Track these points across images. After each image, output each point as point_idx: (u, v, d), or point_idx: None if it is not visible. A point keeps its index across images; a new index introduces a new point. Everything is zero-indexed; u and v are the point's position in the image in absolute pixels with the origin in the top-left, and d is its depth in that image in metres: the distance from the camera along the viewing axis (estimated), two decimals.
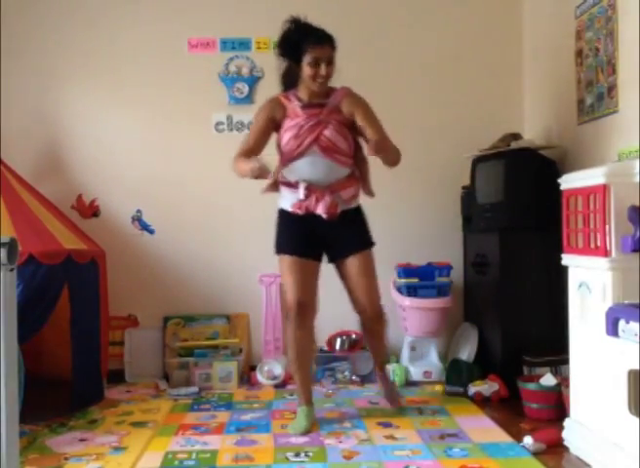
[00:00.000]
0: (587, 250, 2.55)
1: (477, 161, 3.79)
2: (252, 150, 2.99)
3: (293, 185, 2.98)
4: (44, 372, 3.66)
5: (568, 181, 2.72)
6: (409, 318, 3.89)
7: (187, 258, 4.10)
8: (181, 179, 4.12)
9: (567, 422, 2.72)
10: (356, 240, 3.05)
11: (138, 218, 4.11)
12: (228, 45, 4.13)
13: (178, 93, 4.10)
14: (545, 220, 3.27)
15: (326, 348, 3.95)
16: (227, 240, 4.11)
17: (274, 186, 3.06)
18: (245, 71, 4.13)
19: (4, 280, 1.79)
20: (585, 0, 3.31)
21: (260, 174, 2.77)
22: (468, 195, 3.89)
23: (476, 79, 4.17)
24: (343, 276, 3.09)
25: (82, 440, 2.88)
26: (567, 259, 2.73)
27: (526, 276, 3.45)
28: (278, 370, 3.85)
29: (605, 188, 2.42)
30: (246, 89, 4.13)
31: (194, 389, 3.68)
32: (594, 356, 2.49)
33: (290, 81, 3.03)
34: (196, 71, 4.11)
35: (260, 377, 3.86)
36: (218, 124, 4.12)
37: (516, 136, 3.72)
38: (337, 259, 3.08)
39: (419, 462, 2.56)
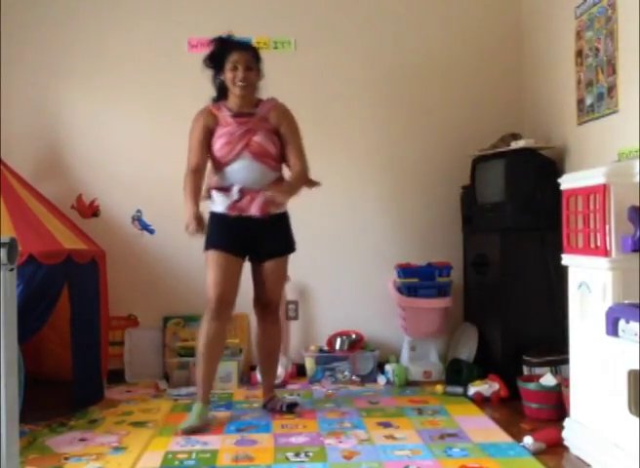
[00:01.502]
0: (587, 250, 2.55)
1: (477, 161, 3.79)
2: (198, 166, 3.11)
3: (226, 189, 3.10)
4: (44, 372, 3.66)
5: (568, 181, 2.72)
6: (409, 318, 3.89)
7: (187, 258, 4.09)
8: (181, 179, 4.10)
9: (567, 422, 2.72)
10: (280, 245, 3.21)
11: (138, 218, 4.11)
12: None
13: (178, 92, 4.09)
14: (545, 220, 3.27)
15: (326, 348, 3.95)
16: None
17: (207, 194, 3.18)
18: None
19: (4, 280, 1.79)
20: (585, 0, 3.31)
21: (192, 233, 2.97)
22: (468, 195, 3.89)
23: (476, 79, 4.17)
24: (259, 274, 3.21)
25: (82, 440, 2.88)
26: (567, 259, 2.73)
27: (526, 276, 3.45)
28: (278, 369, 3.84)
29: (605, 188, 2.42)
30: None
31: (194, 389, 3.67)
32: (594, 356, 2.49)
33: (221, 93, 3.21)
34: (196, 71, 4.10)
35: (260, 377, 3.85)
36: None
37: (516, 136, 3.72)
38: (257, 260, 3.21)
39: (419, 462, 2.56)
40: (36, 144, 4.06)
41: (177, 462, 2.61)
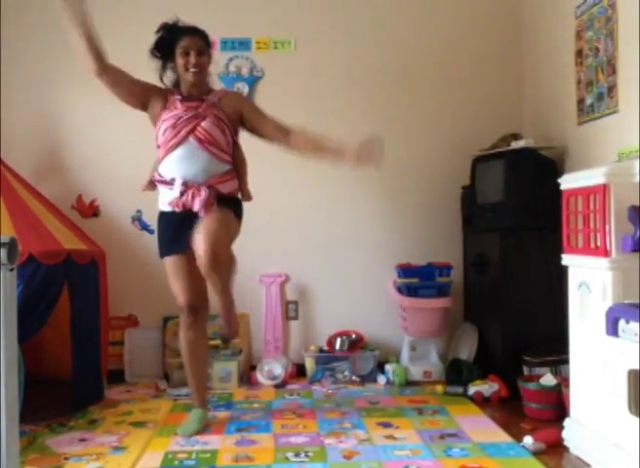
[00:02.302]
0: (587, 250, 2.55)
1: (477, 161, 3.79)
2: (107, 63, 3.05)
3: (169, 183, 2.93)
4: (44, 372, 3.66)
5: (568, 181, 2.72)
6: (409, 318, 3.89)
7: None
8: None
9: (567, 422, 2.72)
10: (218, 206, 2.89)
11: (138, 218, 4.11)
12: (228, 45, 4.12)
13: None
14: (545, 220, 3.27)
15: (326, 348, 3.95)
16: None
17: (151, 185, 3.03)
18: (245, 71, 4.13)
19: (4, 280, 1.79)
20: (585, 0, 3.31)
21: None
22: (468, 195, 3.89)
23: (476, 79, 4.17)
24: (194, 234, 2.81)
25: (82, 440, 2.88)
26: (567, 259, 2.73)
27: (526, 276, 3.45)
28: (278, 370, 3.85)
29: (605, 188, 2.42)
30: (246, 89, 4.12)
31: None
32: (594, 356, 2.49)
33: (172, 78, 3.07)
34: None
35: (259, 377, 3.86)
36: None
37: (516, 136, 3.72)
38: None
39: (419, 462, 2.56)
40: (36, 144, 4.06)
41: (177, 462, 2.62)
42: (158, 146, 2.98)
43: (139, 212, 4.10)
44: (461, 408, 3.27)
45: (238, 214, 3.03)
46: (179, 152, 2.91)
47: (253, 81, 4.14)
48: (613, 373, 2.33)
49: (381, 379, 3.83)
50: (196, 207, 2.86)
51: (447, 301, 3.88)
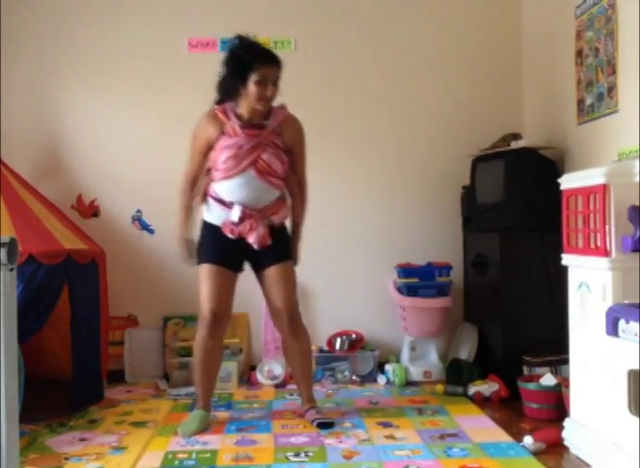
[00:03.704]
0: (587, 250, 2.55)
1: (477, 161, 3.79)
2: (195, 178, 3.08)
3: (226, 204, 2.97)
4: (44, 372, 3.67)
5: (568, 181, 2.72)
6: (409, 318, 3.89)
7: None
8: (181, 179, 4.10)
9: (567, 422, 2.72)
10: (279, 252, 3.04)
11: (138, 218, 4.11)
12: (228, 45, 4.11)
13: (178, 92, 4.09)
14: (545, 220, 3.27)
15: (326, 348, 3.95)
16: None
17: (203, 199, 3.08)
18: None
19: (4, 280, 1.79)
20: (585, 0, 3.31)
21: (182, 258, 3.09)
22: (468, 195, 3.89)
23: (476, 79, 4.17)
24: (264, 285, 3.10)
25: (82, 440, 2.88)
26: (567, 259, 2.73)
27: (526, 276, 3.45)
28: (278, 369, 3.85)
29: (605, 188, 2.42)
30: None
31: (194, 389, 3.67)
32: (594, 356, 2.49)
33: (227, 91, 3.00)
34: (196, 71, 4.11)
35: (259, 377, 3.86)
36: None
37: (516, 136, 3.72)
38: (259, 270, 3.09)
39: (419, 462, 2.56)
40: (36, 144, 4.06)
41: (177, 462, 2.62)
42: (216, 169, 2.98)
43: (139, 212, 4.10)
44: (461, 408, 3.27)
45: (287, 239, 3.13)
46: (237, 180, 2.94)
47: None
48: (613, 373, 2.33)
49: (381, 379, 3.83)
50: (251, 240, 2.93)
51: (447, 301, 3.88)
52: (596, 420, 2.48)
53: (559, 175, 2.86)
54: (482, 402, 3.35)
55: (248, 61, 2.87)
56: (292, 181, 3.11)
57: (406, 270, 3.91)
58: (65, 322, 3.31)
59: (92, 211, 4.09)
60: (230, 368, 3.79)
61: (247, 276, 4.05)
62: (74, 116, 4.09)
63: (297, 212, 3.16)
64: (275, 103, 3.01)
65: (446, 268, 3.93)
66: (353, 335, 3.97)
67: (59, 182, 4.06)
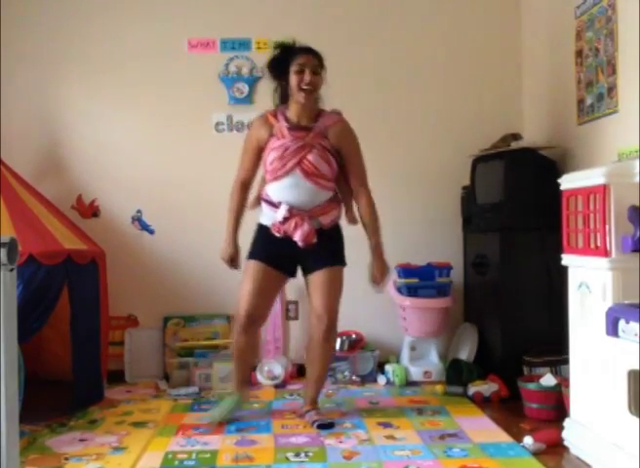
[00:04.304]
0: (587, 250, 2.55)
1: (477, 161, 3.79)
2: (245, 180, 3.12)
3: (275, 205, 3.00)
4: (44, 372, 3.67)
5: (568, 181, 2.72)
6: (409, 318, 3.89)
7: (187, 258, 4.10)
8: (181, 179, 4.12)
9: (567, 422, 2.72)
10: (327, 257, 3.04)
11: (138, 218, 4.11)
12: (228, 45, 4.13)
13: (178, 93, 4.10)
14: (545, 220, 3.27)
15: None
16: None
17: (256, 202, 3.11)
18: (245, 71, 4.13)
19: (4, 280, 1.79)
20: (585, 0, 3.31)
21: (228, 264, 3.12)
22: (468, 195, 3.89)
23: (476, 79, 4.17)
24: (308, 288, 3.10)
25: (82, 440, 2.88)
26: (567, 259, 2.73)
27: (526, 276, 3.45)
28: (278, 370, 3.85)
29: (605, 188, 2.42)
30: (246, 89, 4.13)
31: (194, 389, 3.68)
32: (594, 356, 2.49)
33: (278, 97, 3.10)
34: (196, 71, 4.11)
35: (259, 377, 3.86)
36: (218, 124, 4.12)
37: (516, 136, 3.72)
38: (306, 273, 3.09)
39: (419, 462, 2.56)
40: (36, 144, 4.06)
41: (177, 462, 2.61)
42: (265, 171, 3.04)
43: (139, 212, 4.11)
44: (461, 408, 3.27)
45: (340, 242, 3.10)
46: (285, 181, 2.97)
47: (253, 81, 4.14)
48: (613, 373, 2.33)
49: (381, 379, 3.83)
50: (296, 237, 2.94)
51: (447, 301, 3.88)
52: (596, 420, 2.49)
53: (559, 175, 2.86)
54: (482, 402, 3.35)
55: (285, 57, 2.98)
56: (343, 185, 3.11)
57: (406, 270, 3.91)
58: (65, 322, 3.31)
59: (92, 211, 4.09)
60: (230, 368, 3.78)
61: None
62: (74, 116, 4.09)
63: (349, 214, 3.13)
64: (330, 109, 3.09)
65: (446, 268, 3.93)
66: (353, 335, 3.96)
67: (59, 182, 4.06)
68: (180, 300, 4.08)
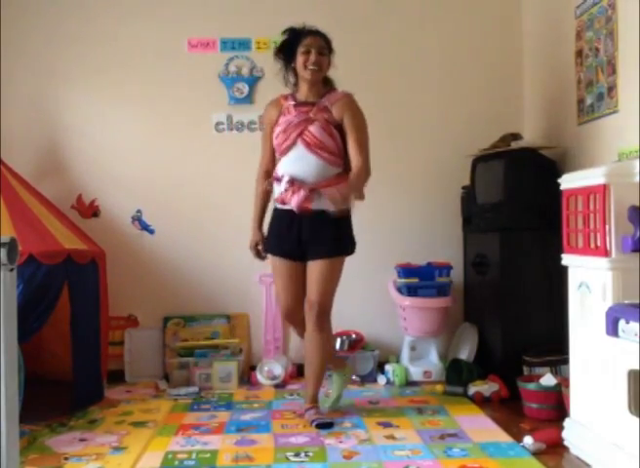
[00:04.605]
0: (587, 250, 2.55)
1: (477, 161, 3.79)
2: (267, 167, 3.17)
3: (279, 180, 3.03)
4: (44, 372, 3.67)
5: (568, 181, 2.72)
6: (409, 318, 3.89)
7: (187, 258, 4.10)
8: (181, 179, 4.12)
9: (567, 422, 2.72)
10: (329, 246, 3.03)
11: (138, 218, 4.11)
12: (228, 45, 4.13)
13: (178, 93, 4.10)
14: (545, 220, 3.27)
15: None
16: (227, 240, 4.11)
17: (271, 183, 3.11)
18: (245, 71, 4.13)
19: (4, 280, 1.79)
20: (585, 0, 3.31)
21: (253, 252, 3.19)
22: (468, 195, 3.89)
23: (476, 79, 4.17)
24: (307, 274, 3.08)
25: (82, 440, 2.88)
26: (567, 259, 2.73)
27: (526, 276, 3.45)
28: (278, 370, 3.85)
29: (605, 188, 2.42)
30: (246, 89, 4.13)
31: (194, 389, 3.68)
32: (594, 356, 2.49)
33: (286, 79, 3.15)
34: (196, 71, 4.11)
35: (259, 377, 3.86)
36: (218, 124, 4.12)
37: (516, 136, 3.72)
38: (308, 259, 3.07)
39: (419, 462, 2.56)
40: (36, 144, 4.06)
41: (177, 462, 2.62)
42: (274, 147, 3.11)
43: (139, 212, 4.11)
44: (461, 408, 3.27)
45: (345, 238, 3.09)
46: (290, 155, 3.03)
47: (253, 81, 4.14)
48: (613, 373, 2.33)
49: (381, 379, 3.83)
50: (292, 203, 2.96)
51: (447, 301, 3.88)
52: (596, 420, 2.48)
53: (559, 175, 2.86)
54: (482, 402, 3.35)
55: (292, 40, 3.08)
56: (349, 162, 3.10)
57: (406, 270, 3.91)
58: (65, 322, 3.31)
59: (92, 211, 4.09)
60: (230, 368, 3.79)
61: (247, 277, 4.08)
62: (74, 116, 4.09)
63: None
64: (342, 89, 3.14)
65: (446, 268, 3.93)
66: (353, 335, 3.97)
67: (59, 182, 4.06)
68: (180, 300, 4.08)
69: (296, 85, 3.14)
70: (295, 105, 3.06)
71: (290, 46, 3.08)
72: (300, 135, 3.00)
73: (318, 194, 2.96)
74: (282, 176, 3.01)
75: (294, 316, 3.14)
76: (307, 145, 2.99)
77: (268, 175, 3.15)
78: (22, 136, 4.02)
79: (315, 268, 3.03)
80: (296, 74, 3.11)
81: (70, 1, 4.08)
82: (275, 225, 3.12)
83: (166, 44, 4.10)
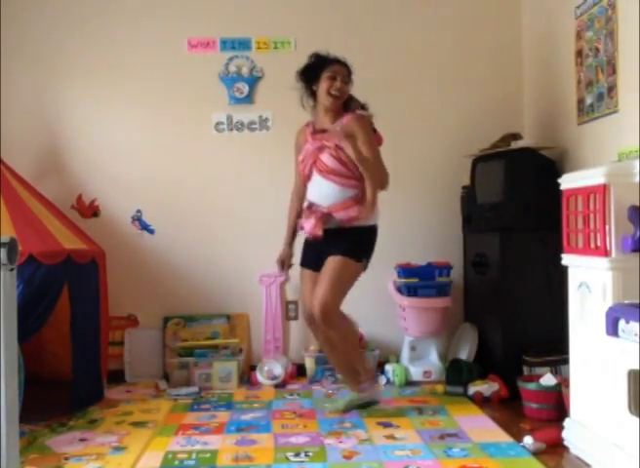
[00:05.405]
0: (587, 250, 2.55)
1: (477, 161, 3.79)
2: (298, 188, 3.32)
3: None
4: (44, 372, 3.67)
5: (568, 181, 2.72)
6: (409, 318, 3.89)
7: (187, 258, 4.10)
8: (181, 179, 4.12)
9: (567, 422, 2.72)
10: (338, 249, 3.08)
11: (138, 218, 4.11)
12: (228, 45, 4.13)
13: (178, 93, 4.10)
14: (545, 220, 3.27)
15: None
16: (227, 240, 4.11)
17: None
18: (245, 71, 4.13)
19: (4, 280, 1.79)
20: (585, 0, 3.31)
21: (279, 265, 3.37)
22: (468, 195, 3.89)
23: (476, 79, 4.17)
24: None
25: (82, 440, 2.88)
26: (567, 259, 2.73)
27: (526, 276, 3.45)
28: (278, 370, 3.85)
29: (605, 188, 2.42)
30: (246, 89, 4.13)
31: (194, 389, 3.68)
32: (594, 356, 2.49)
33: (305, 103, 3.25)
34: (196, 71, 4.11)
35: (259, 377, 3.86)
36: (218, 124, 4.12)
37: (516, 136, 3.72)
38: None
39: (419, 462, 2.56)
40: (36, 144, 4.06)
41: (177, 462, 2.62)
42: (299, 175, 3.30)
43: (139, 212, 4.11)
44: (461, 408, 3.27)
45: (362, 248, 3.15)
46: (312, 181, 3.19)
47: (253, 81, 4.14)
48: (613, 373, 2.33)
49: (381, 379, 3.83)
50: (305, 229, 3.14)
51: (447, 301, 3.88)
52: (596, 420, 2.48)
53: (559, 175, 2.86)
54: (482, 402, 3.35)
55: (318, 64, 3.19)
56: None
57: (406, 270, 3.91)
58: (65, 322, 3.31)
59: (92, 211, 4.09)
60: (230, 368, 3.79)
61: (247, 277, 4.08)
62: (74, 116, 4.09)
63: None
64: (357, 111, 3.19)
65: (446, 268, 3.93)
66: None
67: (59, 182, 4.06)
68: (179, 300, 4.08)
69: (314, 108, 3.24)
70: (312, 133, 3.18)
71: (314, 70, 3.18)
72: (315, 163, 3.13)
73: (331, 218, 3.10)
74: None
75: (315, 323, 3.16)
76: (320, 172, 3.12)
77: (299, 196, 3.32)
78: (22, 136, 4.01)
79: (323, 268, 3.11)
80: (314, 98, 3.20)
81: (70, 1, 4.07)
82: (305, 245, 3.28)
83: (166, 44, 4.10)
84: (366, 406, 3.22)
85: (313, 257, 3.19)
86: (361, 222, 3.11)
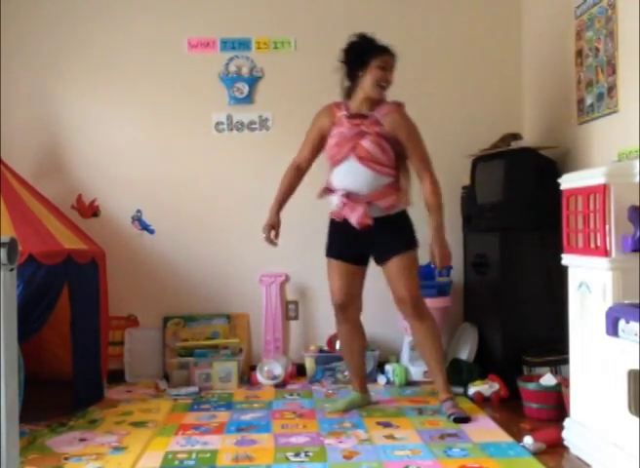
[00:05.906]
0: (587, 250, 2.55)
1: (477, 161, 3.79)
2: (301, 164, 3.24)
3: (332, 191, 3.13)
4: (44, 372, 3.67)
5: (568, 181, 2.72)
6: None
7: (187, 258, 4.10)
8: (181, 179, 4.12)
9: (567, 422, 2.72)
10: (397, 244, 3.13)
11: (138, 218, 4.11)
12: (228, 45, 4.13)
13: (178, 93, 4.10)
14: (545, 220, 3.26)
15: (326, 348, 3.95)
16: (227, 240, 4.11)
17: (324, 192, 3.19)
18: (245, 71, 4.13)
19: (4, 280, 1.79)
20: (585, 0, 3.31)
21: (266, 233, 3.21)
22: (468, 195, 3.89)
23: (476, 79, 4.17)
24: (387, 277, 3.20)
25: (82, 440, 2.88)
26: (567, 259, 2.72)
27: (526, 276, 3.45)
28: (278, 370, 3.85)
29: (605, 188, 2.42)
30: (246, 89, 4.13)
31: (194, 389, 3.68)
32: (594, 356, 2.49)
33: (347, 91, 3.19)
34: (196, 71, 4.11)
35: (259, 377, 3.86)
36: (218, 124, 4.12)
37: (516, 136, 3.72)
38: (380, 262, 3.20)
39: (419, 462, 2.56)
40: (36, 144, 4.06)
41: (177, 462, 2.61)
42: (327, 158, 3.17)
43: (139, 212, 4.11)
44: (462, 408, 3.27)
45: (406, 226, 3.19)
46: (343, 167, 3.09)
47: (253, 81, 4.14)
48: (613, 373, 2.33)
49: (381, 379, 3.83)
50: (352, 220, 3.06)
51: (447, 301, 3.88)
52: (596, 420, 2.48)
53: (559, 175, 2.86)
54: (482, 402, 3.35)
55: (369, 49, 3.08)
56: (402, 170, 3.17)
57: None
58: (65, 322, 3.31)
59: (92, 211, 4.09)
60: (230, 368, 3.79)
61: (247, 277, 4.08)
62: (74, 116, 4.09)
63: (403, 197, 3.16)
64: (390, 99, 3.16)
65: (446, 268, 3.92)
66: None
67: (59, 182, 4.06)
68: (179, 300, 4.08)
69: (348, 91, 3.16)
70: (347, 117, 3.10)
71: (363, 55, 3.08)
72: (354, 148, 3.05)
73: (374, 206, 3.07)
74: (337, 191, 3.09)
75: (345, 312, 3.25)
76: (360, 159, 3.04)
77: (299, 170, 3.24)
78: (22, 136, 4.01)
79: (395, 266, 3.12)
80: (352, 80, 3.13)
81: (70, 1, 4.08)
82: (335, 235, 3.21)
83: (166, 44, 4.10)
84: (460, 422, 3.03)
85: (351, 251, 3.16)
86: (397, 209, 3.13)
